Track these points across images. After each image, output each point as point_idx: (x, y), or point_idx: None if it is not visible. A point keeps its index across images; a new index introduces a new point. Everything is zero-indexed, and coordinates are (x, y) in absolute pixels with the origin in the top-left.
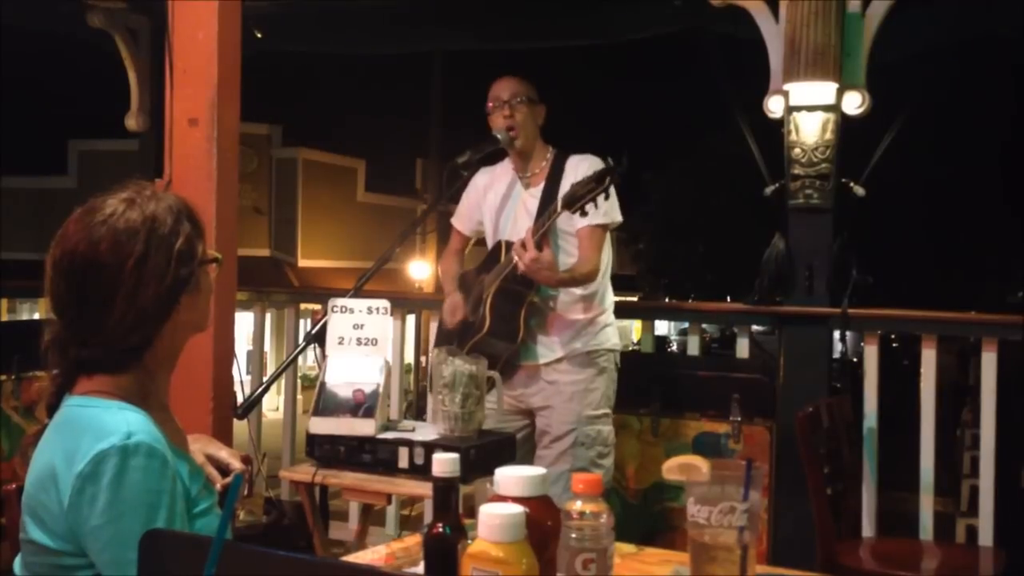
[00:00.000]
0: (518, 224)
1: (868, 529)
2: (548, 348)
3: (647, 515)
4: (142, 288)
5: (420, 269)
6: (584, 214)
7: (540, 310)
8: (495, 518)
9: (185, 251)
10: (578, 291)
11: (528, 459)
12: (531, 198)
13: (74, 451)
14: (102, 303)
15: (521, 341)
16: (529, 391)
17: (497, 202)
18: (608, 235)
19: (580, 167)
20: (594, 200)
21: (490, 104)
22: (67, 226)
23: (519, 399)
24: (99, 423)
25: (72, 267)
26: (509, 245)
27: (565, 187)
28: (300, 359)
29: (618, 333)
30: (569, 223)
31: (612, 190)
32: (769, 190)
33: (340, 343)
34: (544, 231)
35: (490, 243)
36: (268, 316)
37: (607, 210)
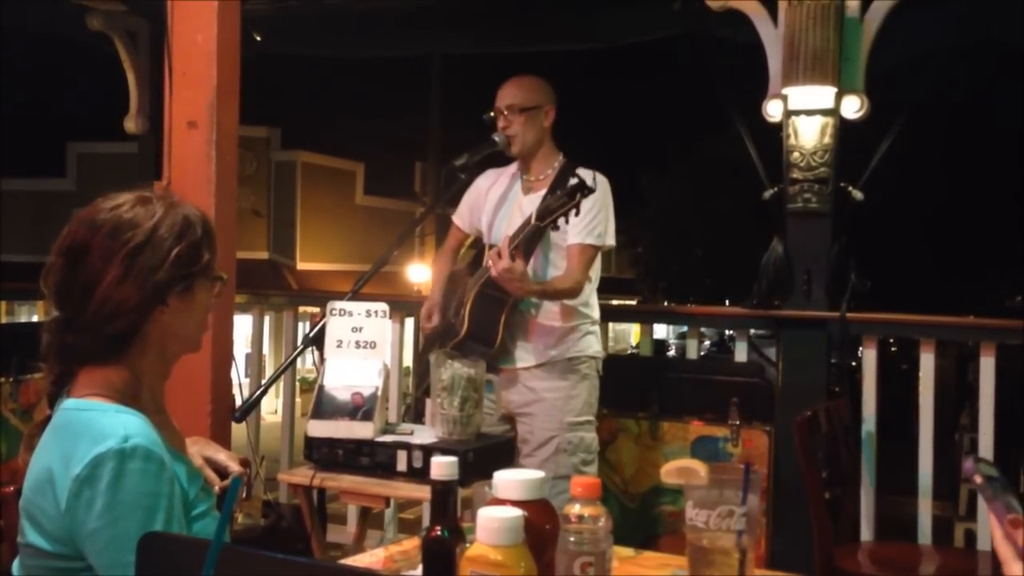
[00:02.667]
0: (512, 227)
1: (866, 533)
2: (527, 353)
3: (646, 519)
4: (127, 280)
5: (418, 272)
6: (555, 228)
7: (522, 315)
8: (493, 521)
9: (184, 256)
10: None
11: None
12: (529, 203)
13: (71, 454)
14: (87, 287)
15: (499, 345)
16: (509, 395)
17: (495, 203)
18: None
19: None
20: (565, 215)
21: (494, 110)
22: (82, 211)
23: (500, 403)
24: (96, 426)
25: (70, 247)
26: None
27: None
28: (299, 362)
29: (600, 341)
30: (562, 237)
31: (611, 214)
32: (768, 194)
33: (338, 346)
34: (519, 242)
35: (485, 243)
36: (267, 319)
37: (600, 232)
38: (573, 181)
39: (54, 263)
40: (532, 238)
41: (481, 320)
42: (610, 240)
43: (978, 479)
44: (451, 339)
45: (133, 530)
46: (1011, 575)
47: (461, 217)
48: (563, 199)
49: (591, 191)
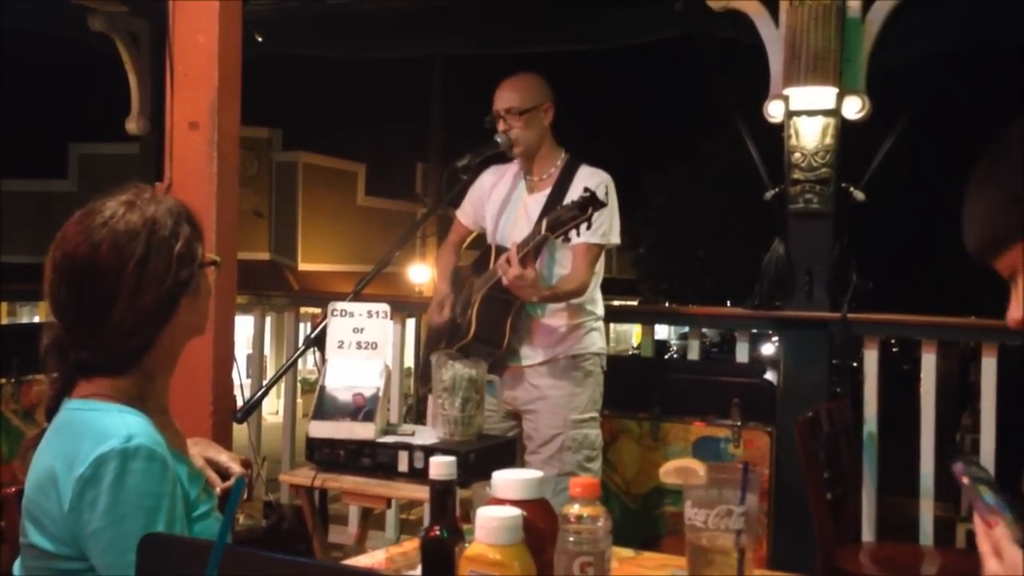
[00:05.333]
0: (517, 227)
1: (868, 534)
2: (532, 351)
3: (648, 520)
4: (142, 290)
5: (420, 273)
6: (567, 240)
7: (528, 316)
8: (492, 520)
9: (185, 253)
10: None
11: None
12: (534, 203)
13: (74, 455)
14: (102, 305)
15: (507, 347)
16: (515, 392)
17: (500, 202)
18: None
19: (589, 181)
20: (576, 228)
21: (493, 114)
22: (67, 228)
23: (506, 401)
24: (99, 426)
25: (72, 269)
26: (500, 251)
27: (572, 198)
28: (300, 363)
29: (604, 337)
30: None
31: (616, 212)
32: (769, 195)
33: (340, 347)
34: (528, 250)
35: (490, 241)
36: (268, 320)
37: (605, 231)
38: (585, 194)
39: (56, 286)
40: (541, 246)
41: (488, 322)
42: (615, 238)
43: (965, 480)
44: (458, 340)
45: (136, 530)
46: (988, 574)
47: (464, 213)
48: (574, 212)
49: (603, 205)
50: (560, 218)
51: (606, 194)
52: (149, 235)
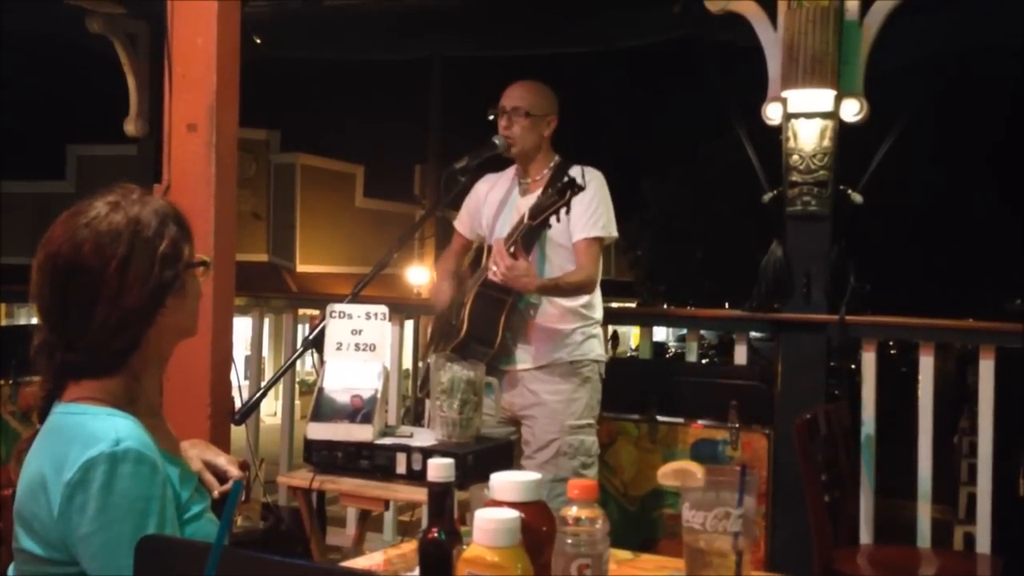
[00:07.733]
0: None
1: (866, 536)
2: (528, 354)
3: (645, 522)
4: (125, 291)
5: (418, 274)
6: (548, 226)
7: (522, 316)
8: (490, 523)
9: (169, 254)
10: (564, 301)
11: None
12: (526, 205)
13: (63, 459)
14: (85, 306)
15: (500, 346)
16: (511, 397)
17: (496, 205)
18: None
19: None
20: (556, 213)
21: (498, 109)
22: (52, 229)
23: (504, 405)
24: (88, 430)
25: (55, 270)
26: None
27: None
28: (298, 364)
29: (603, 344)
30: (561, 235)
31: (610, 205)
32: (767, 197)
33: (338, 349)
34: (515, 240)
35: (486, 245)
36: (266, 321)
37: (604, 223)
38: (564, 180)
39: (40, 287)
40: (527, 236)
41: (480, 320)
42: (614, 230)
43: None
44: (452, 340)
45: (126, 534)
46: None
47: (462, 223)
48: (554, 197)
49: (581, 189)
50: (540, 205)
51: (583, 178)
52: (132, 235)
